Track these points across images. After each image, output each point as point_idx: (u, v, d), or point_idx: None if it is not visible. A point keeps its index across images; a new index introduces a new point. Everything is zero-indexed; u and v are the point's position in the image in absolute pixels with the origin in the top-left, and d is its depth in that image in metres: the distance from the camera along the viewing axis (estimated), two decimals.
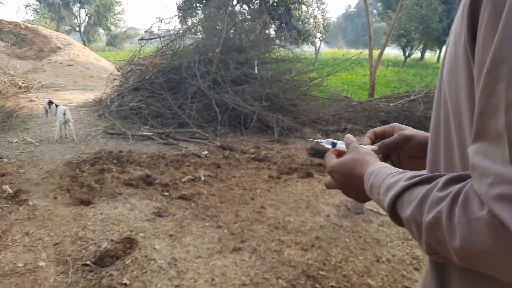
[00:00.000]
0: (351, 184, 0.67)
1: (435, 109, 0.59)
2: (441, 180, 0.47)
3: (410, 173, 0.54)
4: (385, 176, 0.56)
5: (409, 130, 0.76)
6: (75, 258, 2.42)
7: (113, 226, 2.87)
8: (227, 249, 2.64)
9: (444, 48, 0.65)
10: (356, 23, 58.63)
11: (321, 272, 2.39)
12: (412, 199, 0.49)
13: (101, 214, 3.05)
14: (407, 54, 27.12)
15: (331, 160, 0.73)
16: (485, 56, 0.41)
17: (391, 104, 6.78)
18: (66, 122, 5.21)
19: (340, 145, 0.79)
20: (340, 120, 6.34)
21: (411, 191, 0.50)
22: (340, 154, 0.77)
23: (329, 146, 0.79)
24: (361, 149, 0.69)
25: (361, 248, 2.71)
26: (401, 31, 24.50)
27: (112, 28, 41.97)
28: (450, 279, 0.54)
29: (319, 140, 0.80)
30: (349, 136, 0.75)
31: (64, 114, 5.14)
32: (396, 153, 0.77)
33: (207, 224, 3.00)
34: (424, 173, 0.55)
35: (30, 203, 3.17)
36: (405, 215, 0.49)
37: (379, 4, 33.41)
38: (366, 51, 8.42)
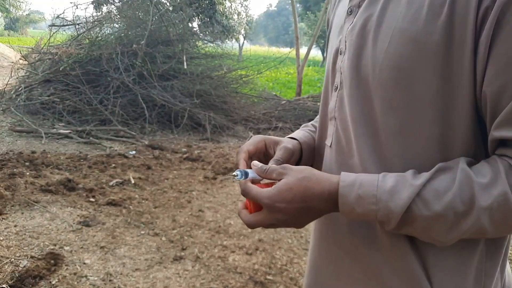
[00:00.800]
0: (307, 207, 0.57)
1: (356, 103, 0.60)
2: (463, 166, 0.52)
3: (407, 173, 0.54)
4: (375, 182, 0.54)
5: (285, 142, 0.74)
6: None
7: (31, 240, 2.50)
8: (167, 259, 2.47)
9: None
10: (277, 22, 60.48)
11: (268, 277, 2.36)
12: (442, 192, 0.51)
13: (15, 226, 2.64)
14: (325, 54, 28.73)
15: (260, 191, 0.59)
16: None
17: (318, 103, 7.08)
18: None
19: (252, 174, 0.67)
20: (271, 119, 6.43)
21: (430, 186, 0.52)
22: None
23: (242, 178, 0.65)
24: (297, 167, 0.60)
25: (304, 249, 2.75)
26: (320, 33, 25.86)
27: (12, 10, 37.27)
28: (428, 258, 0.58)
29: (232, 174, 0.70)
30: (256, 162, 0.66)
31: None
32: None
33: (142, 232, 2.78)
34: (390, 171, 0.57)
35: None
36: (436, 209, 0.51)
37: (299, 5, 34.82)
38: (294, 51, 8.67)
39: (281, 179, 0.59)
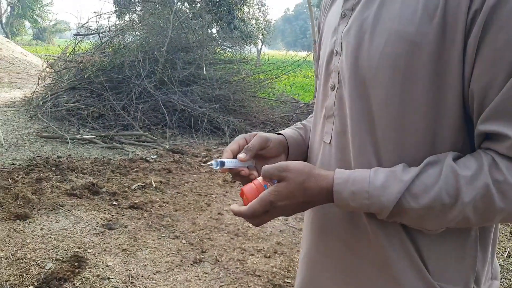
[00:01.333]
0: (306, 202, 0.63)
1: (356, 101, 0.63)
2: (449, 161, 0.56)
3: (397, 168, 0.58)
4: (367, 178, 0.58)
5: (262, 133, 0.78)
6: (14, 283, 2.13)
7: (57, 243, 2.58)
8: (187, 261, 2.51)
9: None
10: (294, 26, 60.43)
11: (286, 280, 2.36)
12: (429, 186, 0.55)
13: (41, 229, 2.74)
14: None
15: (259, 201, 0.63)
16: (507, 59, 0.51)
17: None
18: None
19: (229, 163, 0.72)
20: (289, 122, 6.42)
21: (419, 181, 0.56)
22: (251, 192, 0.66)
23: (218, 167, 0.70)
24: (295, 168, 0.63)
25: None
26: None
27: (40, 20, 38.73)
28: (423, 246, 0.62)
29: (208, 164, 0.74)
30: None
31: None
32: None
33: (163, 235, 2.83)
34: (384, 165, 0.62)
35: None
36: (424, 202, 0.55)
37: (316, 8, 34.72)
38: (312, 54, 8.63)
39: (281, 181, 0.63)
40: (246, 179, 0.74)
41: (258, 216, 0.64)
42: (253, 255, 2.63)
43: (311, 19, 8.36)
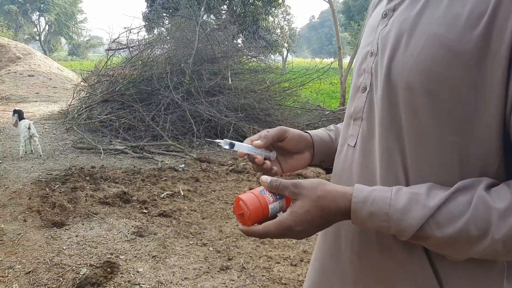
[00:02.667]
0: (324, 222, 0.59)
1: (386, 106, 0.60)
2: (481, 192, 0.51)
3: (421, 189, 0.54)
4: (387, 200, 0.55)
5: (288, 128, 0.77)
6: (52, 287, 2.25)
7: (90, 249, 2.70)
8: (214, 268, 2.55)
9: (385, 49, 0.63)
10: (320, 33, 60.19)
11: None
12: (456, 216, 0.51)
13: (76, 236, 2.87)
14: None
15: (278, 223, 0.60)
16: None
17: None
18: (31, 137, 4.90)
19: (240, 146, 0.71)
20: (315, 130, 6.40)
21: (446, 209, 0.52)
22: (255, 206, 0.62)
23: (227, 147, 0.70)
24: (309, 184, 0.60)
25: None
26: None
27: (75, 37, 40.64)
28: (444, 271, 0.58)
29: (217, 141, 0.71)
30: (265, 177, 0.65)
31: (29, 128, 4.84)
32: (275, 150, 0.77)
33: (191, 242, 2.90)
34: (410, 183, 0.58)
35: None
36: (448, 232, 0.51)
37: (341, 15, 34.52)
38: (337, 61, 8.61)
39: (295, 199, 0.60)
40: (267, 171, 0.73)
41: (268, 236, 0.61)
42: (279, 263, 2.64)
43: (335, 26, 8.34)
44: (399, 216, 0.53)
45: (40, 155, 4.93)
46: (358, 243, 0.66)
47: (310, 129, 0.86)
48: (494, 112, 0.51)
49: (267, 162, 0.74)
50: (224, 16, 17.61)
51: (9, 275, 2.35)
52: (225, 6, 20.04)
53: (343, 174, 0.71)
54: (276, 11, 21.78)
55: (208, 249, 2.81)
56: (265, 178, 0.65)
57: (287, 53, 25.51)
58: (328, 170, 0.85)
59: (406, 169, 0.59)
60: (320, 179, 0.62)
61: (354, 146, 0.68)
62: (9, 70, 12.54)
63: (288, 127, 0.77)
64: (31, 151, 5.06)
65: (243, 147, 0.72)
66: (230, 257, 2.69)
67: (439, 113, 0.54)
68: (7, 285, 2.25)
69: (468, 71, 0.51)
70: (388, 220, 0.54)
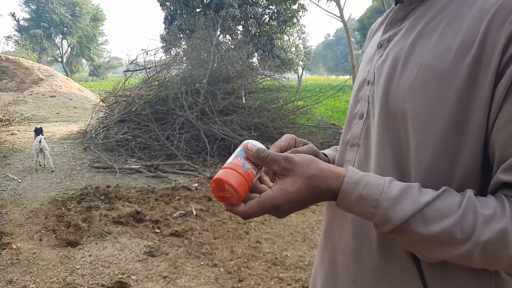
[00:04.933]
0: (308, 201, 0.57)
1: (384, 133, 0.62)
2: (471, 195, 0.52)
3: (414, 186, 0.54)
4: (380, 186, 0.54)
5: (313, 146, 0.75)
6: None
7: (103, 269, 2.72)
8: None
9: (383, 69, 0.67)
10: (335, 51, 60.53)
11: None
12: (445, 215, 0.51)
13: (89, 256, 2.90)
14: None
15: (261, 204, 0.57)
16: None
17: None
18: (41, 150, 5.11)
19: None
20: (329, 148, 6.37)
21: (435, 206, 0.52)
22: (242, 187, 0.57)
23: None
24: (302, 160, 0.57)
25: None
26: None
27: (95, 58, 42.04)
28: (426, 274, 0.59)
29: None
30: (251, 145, 0.60)
31: (40, 142, 5.10)
32: None
33: (202, 262, 2.89)
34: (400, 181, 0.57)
35: (14, 246, 2.99)
36: (433, 230, 0.51)
37: (357, 32, 34.70)
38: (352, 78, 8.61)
39: (283, 175, 0.57)
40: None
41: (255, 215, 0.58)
42: (290, 285, 2.60)
43: (349, 44, 8.40)
44: (388, 205, 0.53)
45: (52, 169, 5.10)
46: (354, 270, 0.67)
47: (325, 147, 0.86)
48: (477, 135, 0.54)
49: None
50: (239, 36, 17.95)
51: None
52: (240, 27, 20.46)
53: None
54: (291, 30, 22.09)
55: (219, 270, 2.79)
56: (251, 146, 0.60)
57: (303, 71, 25.68)
58: None
59: None
60: (311, 156, 0.59)
61: None
62: (32, 91, 13.01)
63: (316, 149, 0.75)
64: (44, 165, 5.25)
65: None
66: (241, 279, 2.66)
67: (432, 139, 0.56)
68: None
69: (458, 98, 0.54)
70: (376, 207, 0.53)
